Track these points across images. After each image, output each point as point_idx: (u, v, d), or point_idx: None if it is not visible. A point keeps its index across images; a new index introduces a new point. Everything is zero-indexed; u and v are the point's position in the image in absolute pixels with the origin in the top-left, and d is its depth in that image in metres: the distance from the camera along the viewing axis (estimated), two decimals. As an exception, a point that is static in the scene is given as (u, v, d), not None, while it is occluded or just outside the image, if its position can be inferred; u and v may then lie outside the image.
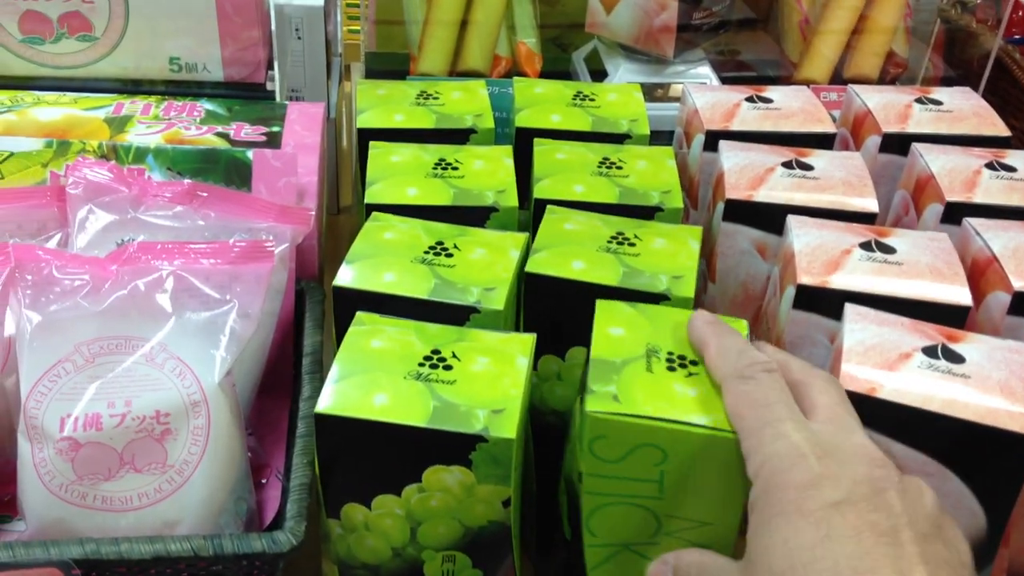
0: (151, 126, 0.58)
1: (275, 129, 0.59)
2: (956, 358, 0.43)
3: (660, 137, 0.73)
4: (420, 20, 0.78)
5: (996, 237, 0.54)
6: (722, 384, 0.39)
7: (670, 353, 0.43)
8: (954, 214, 0.58)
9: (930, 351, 0.44)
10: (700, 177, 0.67)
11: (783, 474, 0.34)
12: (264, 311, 0.45)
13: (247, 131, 0.58)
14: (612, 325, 0.44)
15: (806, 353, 0.51)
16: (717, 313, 0.62)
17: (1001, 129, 0.67)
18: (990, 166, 0.61)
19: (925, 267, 0.51)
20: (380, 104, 0.65)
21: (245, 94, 0.69)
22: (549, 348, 0.51)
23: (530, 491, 0.49)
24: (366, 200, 0.54)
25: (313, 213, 0.51)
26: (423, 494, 0.40)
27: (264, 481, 0.45)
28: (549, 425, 0.51)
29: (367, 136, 0.61)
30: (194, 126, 0.58)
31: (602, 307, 0.45)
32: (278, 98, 0.70)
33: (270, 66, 0.71)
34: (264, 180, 0.52)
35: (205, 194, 0.48)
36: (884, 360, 0.43)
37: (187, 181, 0.50)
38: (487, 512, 0.41)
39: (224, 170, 0.52)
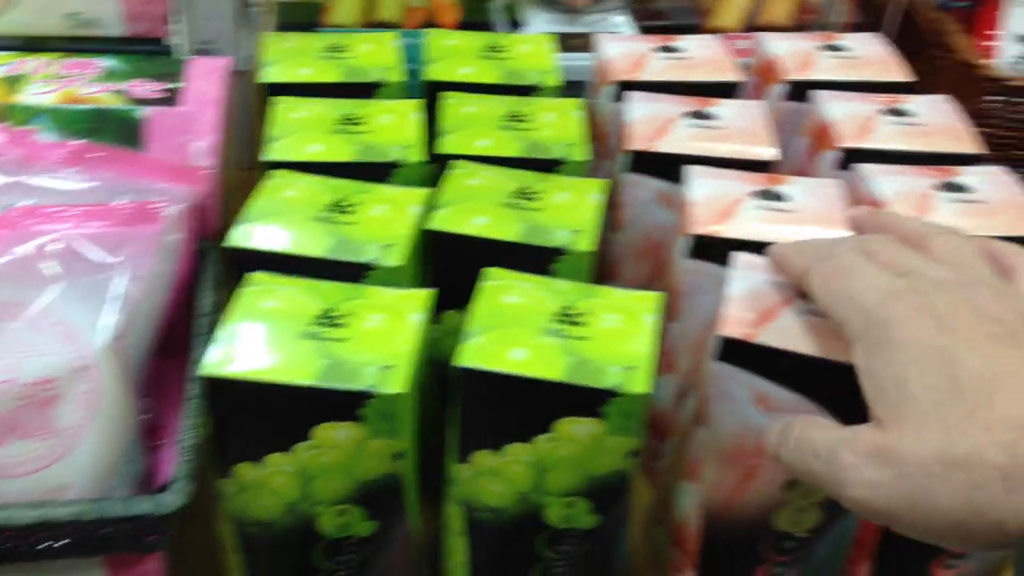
0: (46, 85, 0.57)
1: (175, 85, 0.58)
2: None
3: (577, 87, 0.73)
4: (332, -30, 0.77)
5: (884, 182, 0.55)
6: (808, 272, 0.41)
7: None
8: (848, 160, 0.59)
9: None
10: (609, 127, 0.68)
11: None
12: (156, 273, 0.45)
13: (145, 88, 0.57)
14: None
15: (699, 301, 0.53)
16: (623, 262, 0.64)
17: (905, 75, 0.68)
18: (886, 111, 0.62)
19: (815, 214, 0.52)
20: (286, 57, 0.64)
21: (148, 49, 0.67)
22: (453, 303, 0.52)
23: (434, 442, 0.50)
24: (265, 157, 0.54)
25: (210, 171, 0.51)
26: (314, 451, 0.41)
27: (161, 443, 0.45)
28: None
29: (271, 91, 0.61)
30: (90, 84, 0.57)
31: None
32: (182, 53, 0.68)
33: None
34: (159, 139, 0.52)
35: (97, 155, 0.48)
36: (764, 306, 0.45)
37: (77, 142, 0.49)
38: (379, 465, 0.42)
39: (116, 130, 0.52)
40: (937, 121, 0.62)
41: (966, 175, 0.57)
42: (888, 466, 0.33)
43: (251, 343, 0.41)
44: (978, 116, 0.76)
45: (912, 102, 0.63)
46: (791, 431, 0.38)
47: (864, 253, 0.40)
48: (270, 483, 0.42)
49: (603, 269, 0.67)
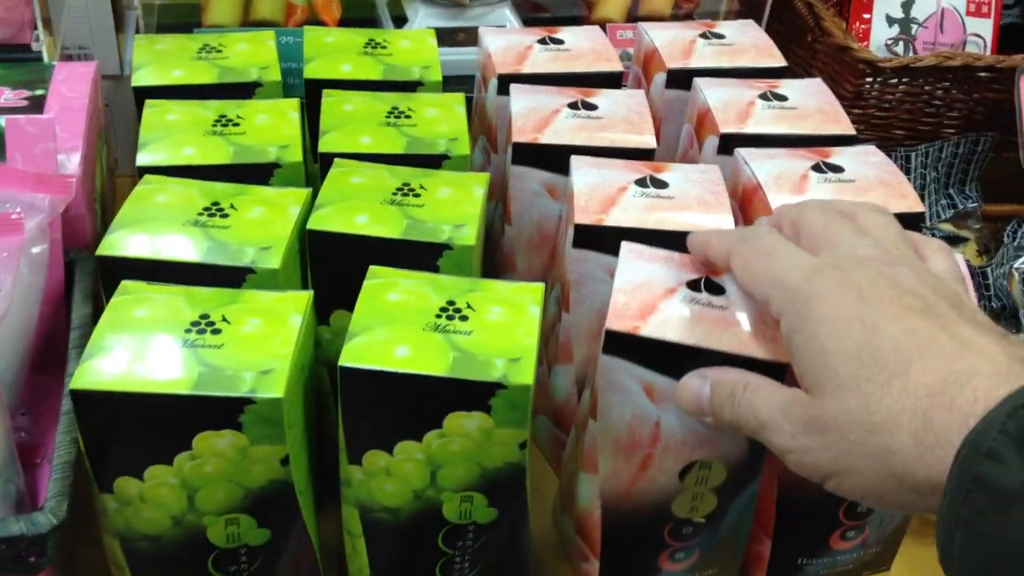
0: (-97, 95, 0.54)
1: (39, 92, 0.56)
2: (717, 290, 0.45)
3: (464, 82, 0.73)
4: (207, -31, 0.75)
5: (762, 165, 0.57)
6: (730, 254, 0.42)
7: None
8: (728, 145, 0.60)
9: (693, 285, 0.45)
10: (497, 121, 0.68)
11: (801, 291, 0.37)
12: (20, 286, 0.43)
13: (7, 96, 0.55)
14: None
15: (589, 290, 0.53)
16: (517, 255, 0.64)
17: (778, 60, 0.70)
18: (763, 96, 0.64)
19: (694, 199, 0.53)
20: (158, 60, 0.62)
21: (15, 56, 0.65)
22: (339, 303, 0.51)
23: (332, 446, 0.50)
24: (137, 163, 0.52)
25: (75, 180, 0.49)
26: (195, 461, 0.40)
27: (39, 461, 0.44)
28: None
29: (143, 94, 0.59)
30: (-53, 93, 0.54)
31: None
32: (50, 58, 0.66)
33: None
34: (19, 148, 0.49)
35: (-47, 167, 0.46)
36: (650, 297, 0.45)
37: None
38: (266, 472, 0.41)
39: (-26, 140, 0.50)
40: (812, 104, 0.64)
41: (840, 156, 0.59)
42: (817, 433, 0.35)
43: (124, 354, 0.40)
44: (856, 98, 0.79)
45: (788, 87, 0.65)
46: (735, 396, 0.40)
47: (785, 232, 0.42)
48: (153, 496, 0.40)
49: (498, 263, 0.68)
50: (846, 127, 0.62)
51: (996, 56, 0.77)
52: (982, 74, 0.78)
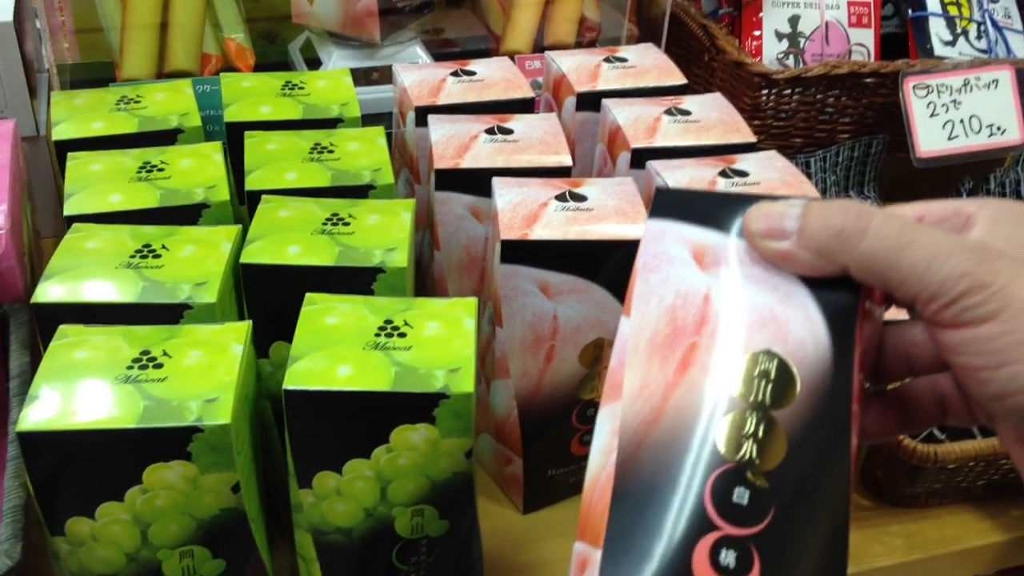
0: None
1: (-42, 152, 0.56)
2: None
3: (381, 119, 0.75)
4: (118, 26, 0.76)
5: (673, 174, 0.60)
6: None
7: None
8: (640, 159, 0.63)
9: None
10: (417, 152, 0.70)
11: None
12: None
13: (-75, 157, 0.55)
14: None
15: (519, 304, 0.55)
16: (448, 279, 0.66)
17: (679, 78, 0.74)
18: (669, 112, 0.67)
19: (612, 210, 0.56)
20: (77, 114, 0.62)
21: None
22: (278, 335, 0.52)
23: (273, 480, 0.50)
24: (65, 212, 0.53)
25: (4, 232, 0.49)
26: (147, 495, 0.40)
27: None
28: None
29: (65, 148, 0.59)
30: None
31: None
32: (-36, 119, 0.66)
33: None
34: (-56, 206, 0.49)
35: None
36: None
37: None
38: (217, 501, 0.42)
39: None
40: (714, 116, 0.68)
41: (744, 162, 0.62)
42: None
43: (67, 394, 0.40)
44: (754, 110, 0.83)
45: (690, 102, 0.69)
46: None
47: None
48: (106, 535, 0.41)
49: (429, 289, 0.69)
50: (747, 135, 0.66)
51: (880, 63, 0.83)
52: (868, 80, 0.83)
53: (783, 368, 0.30)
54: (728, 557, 0.28)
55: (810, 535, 0.29)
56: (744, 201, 0.33)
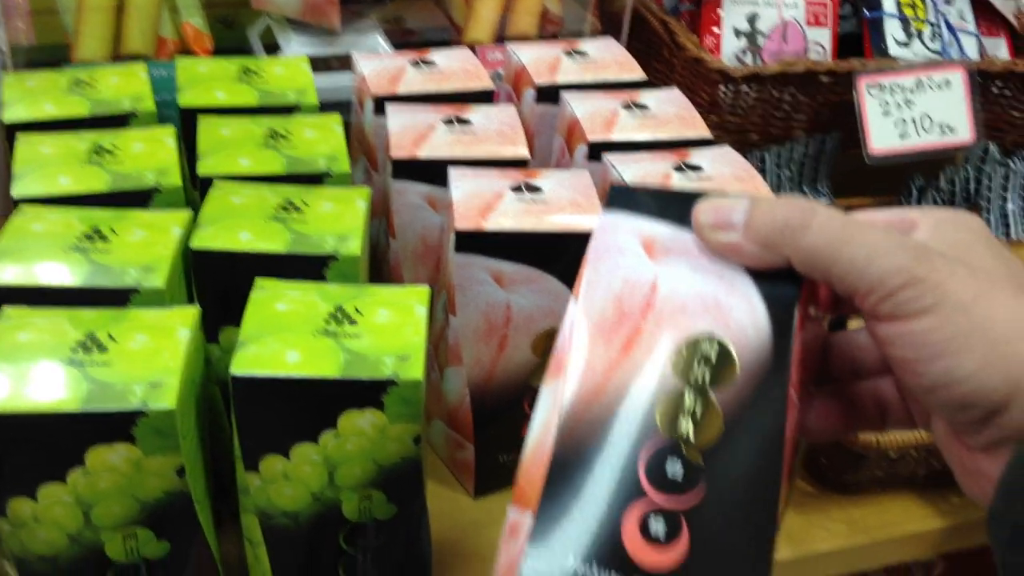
0: None
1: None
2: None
3: (339, 107, 0.74)
4: (74, 7, 0.75)
5: (628, 168, 0.61)
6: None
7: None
8: (597, 152, 0.64)
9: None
10: (375, 141, 0.70)
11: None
12: None
13: None
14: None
15: (473, 293, 0.56)
16: (403, 268, 0.66)
17: (638, 73, 0.74)
18: (626, 106, 0.68)
19: (567, 201, 0.56)
20: (29, 96, 0.62)
21: None
22: (228, 321, 0.52)
23: (221, 464, 0.50)
24: (12, 194, 0.52)
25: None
26: (89, 477, 0.40)
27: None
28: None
29: (16, 130, 0.58)
30: None
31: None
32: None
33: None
34: None
35: None
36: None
37: None
38: (161, 484, 0.41)
39: None
40: (671, 111, 0.68)
41: (698, 156, 0.63)
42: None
43: (9, 377, 0.40)
44: (712, 105, 0.84)
45: (648, 97, 0.70)
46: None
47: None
48: (48, 516, 0.40)
49: (384, 277, 0.69)
50: (702, 130, 0.67)
51: (835, 62, 0.84)
52: (823, 78, 0.84)
53: (723, 351, 0.31)
54: (658, 527, 0.29)
55: (740, 512, 0.29)
56: (695, 197, 0.34)
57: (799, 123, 0.86)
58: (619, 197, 0.35)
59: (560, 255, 0.55)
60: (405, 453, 0.45)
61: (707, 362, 0.31)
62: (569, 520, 0.29)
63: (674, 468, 0.30)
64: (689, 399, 0.31)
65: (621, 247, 0.34)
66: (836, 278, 0.31)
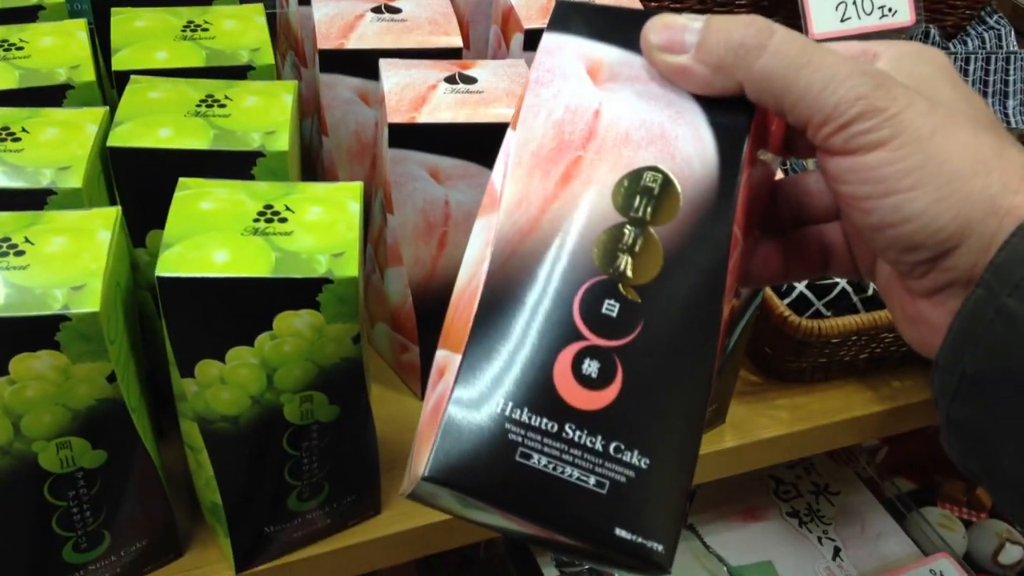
0: None
1: None
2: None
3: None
4: None
5: (566, 55, 0.58)
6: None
7: None
8: (534, 40, 0.62)
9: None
10: (302, 33, 0.66)
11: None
12: None
13: None
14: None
15: (409, 189, 0.54)
16: (339, 166, 0.64)
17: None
18: (562, -8, 0.65)
19: (503, 92, 0.55)
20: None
21: None
22: (154, 223, 0.50)
23: (158, 371, 0.49)
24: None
25: None
26: (15, 386, 0.38)
27: None
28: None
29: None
30: None
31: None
32: None
33: None
34: None
35: None
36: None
37: None
38: (92, 391, 0.40)
39: None
40: (609, -4, 0.66)
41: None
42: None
43: (-83, 287, 0.38)
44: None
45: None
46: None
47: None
48: (-28, 429, 0.39)
49: (319, 177, 0.67)
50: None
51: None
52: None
53: (667, 184, 0.30)
54: (591, 367, 0.28)
55: (677, 351, 0.28)
56: (647, 15, 0.31)
57: (740, 8, 0.85)
58: (565, 15, 0.32)
59: (498, 148, 0.54)
60: (345, 353, 0.44)
61: (650, 196, 0.29)
62: (499, 361, 0.28)
63: (610, 306, 0.28)
64: (629, 235, 0.29)
65: (565, 71, 0.31)
66: (789, 105, 0.29)
